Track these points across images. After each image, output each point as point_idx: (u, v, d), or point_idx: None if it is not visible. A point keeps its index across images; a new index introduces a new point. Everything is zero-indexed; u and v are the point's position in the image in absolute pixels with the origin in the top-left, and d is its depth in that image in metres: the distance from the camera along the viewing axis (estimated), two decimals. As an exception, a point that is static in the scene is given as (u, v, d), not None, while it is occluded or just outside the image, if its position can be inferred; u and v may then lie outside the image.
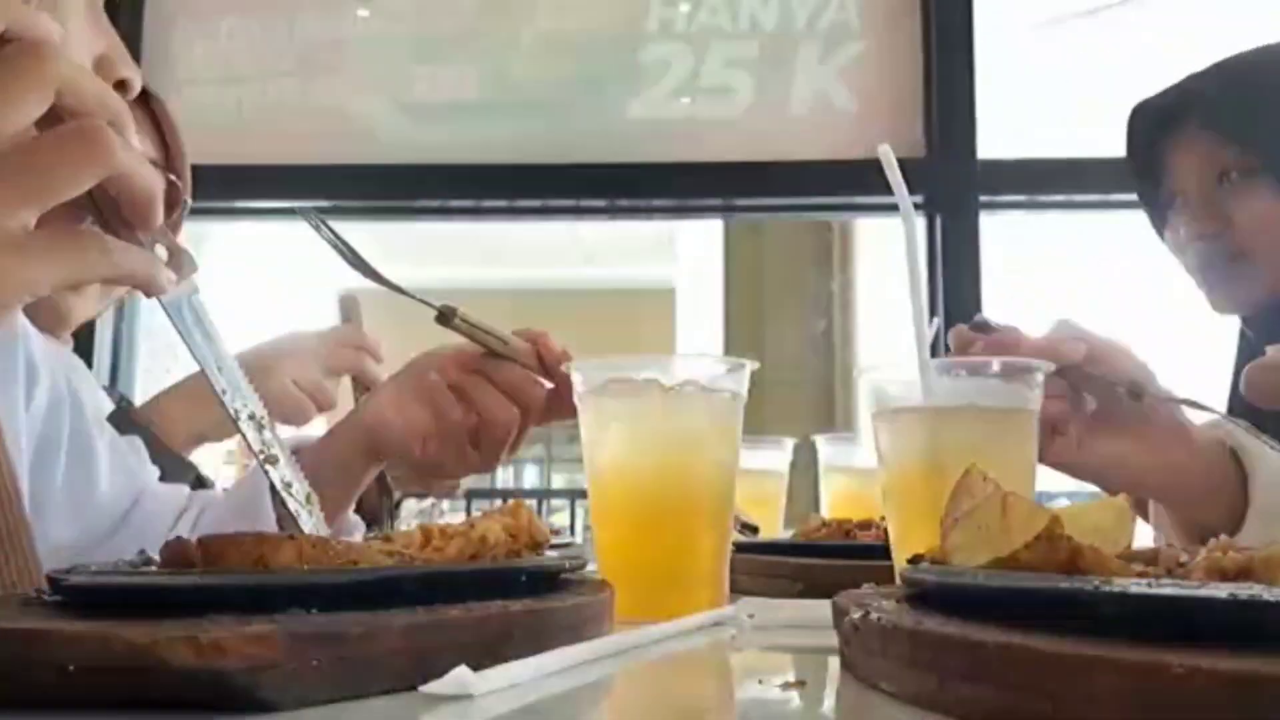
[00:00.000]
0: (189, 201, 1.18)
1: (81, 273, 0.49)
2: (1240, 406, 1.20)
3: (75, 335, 1.22)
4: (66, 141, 0.47)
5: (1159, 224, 1.18)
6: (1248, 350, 1.21)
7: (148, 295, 0.53)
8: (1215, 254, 1.09)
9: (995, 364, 0.72)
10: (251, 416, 0.57)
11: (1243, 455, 0.83)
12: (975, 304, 2.11)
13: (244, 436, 0.57)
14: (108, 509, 0.91)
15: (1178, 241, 1.13)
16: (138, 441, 1.02)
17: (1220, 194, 1.08)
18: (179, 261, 0.54)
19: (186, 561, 0.50)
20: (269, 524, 0.82)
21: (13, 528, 0.63)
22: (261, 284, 5.30)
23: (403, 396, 0.90)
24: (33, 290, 0.48)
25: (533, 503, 2.77)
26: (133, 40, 2.17)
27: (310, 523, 0.58)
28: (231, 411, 0.57)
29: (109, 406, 1.14)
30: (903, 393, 0.72)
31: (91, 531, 0.88)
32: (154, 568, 0.52)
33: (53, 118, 0.48)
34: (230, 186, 2.16)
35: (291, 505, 0.58)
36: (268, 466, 0.58)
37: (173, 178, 1.10)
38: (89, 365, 1.77)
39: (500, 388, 0.88)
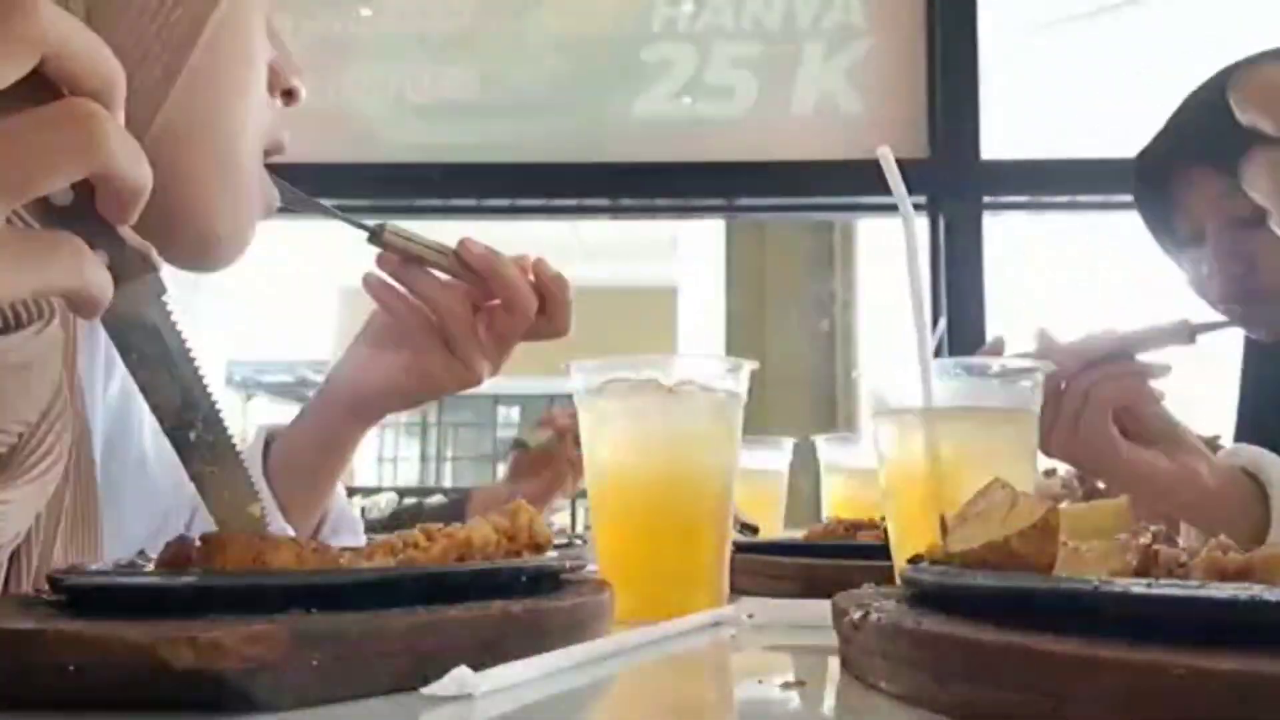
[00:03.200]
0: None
1: (47, 285, 0.41)
2: (1250, 406, 1.20)
3: None
4: (48, 127, 0.39)
5: (1181, 264, 1.15)
6: (1254, 353, 1.21)
7: (80, 315, 0.45)
8: (1240, 293, 1.07)
9: (995, 365, 0.72)
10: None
11: (1257, 471, 0.83)
12: (978, 304, 2.11)
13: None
14: (172, 515, 0.88)
15: (1199, 279, 1.10)
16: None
17: (1243, 233, 1.05)
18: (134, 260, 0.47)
19: (186, 561, 0.50)
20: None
21: (87, 500, 0.62)
22: (262, 283, 5.30)
23: (360, 349, 0.88)
24: None
25: (534, 502, 2.79)
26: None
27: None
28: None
29: None
30: (903, 393, 0.72)
31: (156, 533, 0.85)
32: (152, 567, 0.52)
33: (34, 82, 0.40)
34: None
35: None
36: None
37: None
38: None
39: (421, 296, 0.83)
